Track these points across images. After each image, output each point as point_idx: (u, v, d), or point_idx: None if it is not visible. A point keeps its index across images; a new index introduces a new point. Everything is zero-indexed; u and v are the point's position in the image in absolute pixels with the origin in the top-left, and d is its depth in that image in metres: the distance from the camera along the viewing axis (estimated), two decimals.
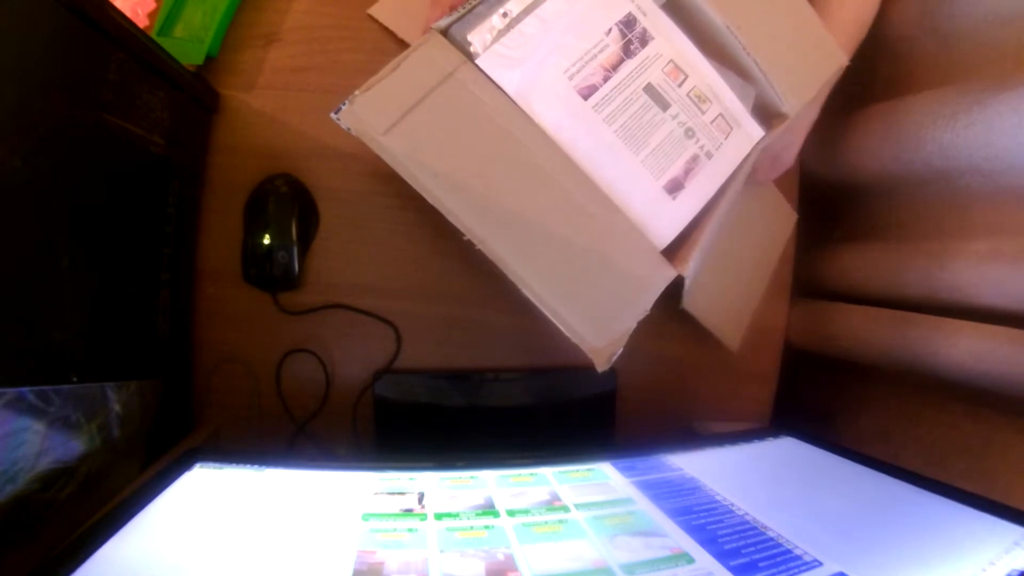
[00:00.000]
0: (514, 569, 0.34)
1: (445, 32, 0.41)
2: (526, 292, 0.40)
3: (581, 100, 0.42)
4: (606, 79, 0.43)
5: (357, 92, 0.40)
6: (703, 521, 0.39)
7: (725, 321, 0.62)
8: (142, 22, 0.54)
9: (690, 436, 0.64)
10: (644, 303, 0.44)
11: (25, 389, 0.35)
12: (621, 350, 0.49)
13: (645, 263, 0.44)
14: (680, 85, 0.45)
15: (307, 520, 0.38)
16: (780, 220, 0.66)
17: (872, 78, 0.52)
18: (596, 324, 0.42)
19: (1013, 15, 0.50)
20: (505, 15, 0.41)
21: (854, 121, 0.61)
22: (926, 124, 0.53)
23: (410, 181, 0.46)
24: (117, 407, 0.45)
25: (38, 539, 0.36)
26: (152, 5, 0.55)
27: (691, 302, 0.56)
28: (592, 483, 0.45)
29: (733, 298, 0.62)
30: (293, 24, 0.58)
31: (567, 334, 0.41)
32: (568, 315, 0.41)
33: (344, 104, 0.39)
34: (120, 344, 0.46)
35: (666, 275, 0.45)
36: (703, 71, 0.46)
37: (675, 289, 0.46)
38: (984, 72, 0.52)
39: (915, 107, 0.55)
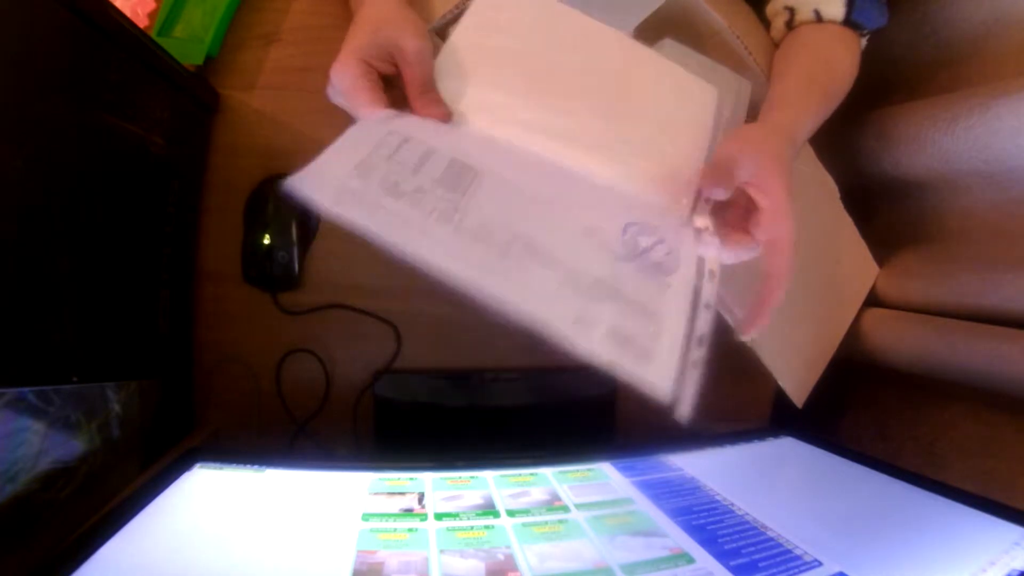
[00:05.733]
0: (514, 569, 0.34)
1: None
2: None
3: None
4: None
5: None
6: (703, 521, 0.40)
7: (793, 369, 0.56)
8: (142, 22, 0.54)
9: (690, 436, 0.64)
10: None
11: (25, 389, 0.35)
12: None
13: None
14: None
15: (307, 520, 0.38)
16: (861, 270, 0.62)
17: (872, 83, 0.53)
18: None
19: (1012, 19, 0.50)
20: None
21: (855, 125, 0.61)
22: (926, 127, 0.53)
23: None
24: (117, 407, 0.45)
25: (38, 539, 0.35)
26: (152, 5, 0.55)
27: (758, 338, 0.49)
28: (592, 483, 0.45)
29: (805, 345, 0.57)
30: (293, 24, 0.58)
31: None
32: None
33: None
34: (120, 344, 0.45)
35: None
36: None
37: None
38: (984, 76, 0.52)
39: (915, 111, 0.55)
